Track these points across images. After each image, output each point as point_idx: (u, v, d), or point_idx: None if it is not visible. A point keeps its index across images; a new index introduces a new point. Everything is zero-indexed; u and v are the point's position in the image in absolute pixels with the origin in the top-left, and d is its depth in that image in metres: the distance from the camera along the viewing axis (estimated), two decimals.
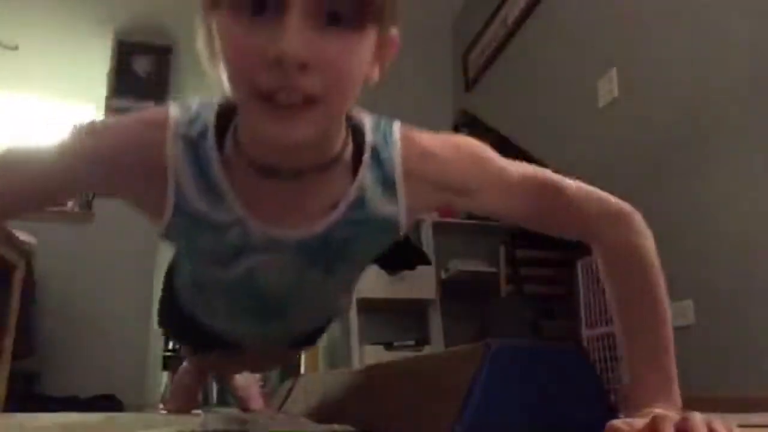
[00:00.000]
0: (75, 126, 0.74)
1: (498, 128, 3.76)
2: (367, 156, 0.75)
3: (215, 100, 0.76)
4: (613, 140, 2.60)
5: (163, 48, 4.23)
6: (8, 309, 2.37)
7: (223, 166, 0.73)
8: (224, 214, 0.74)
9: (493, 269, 3.48)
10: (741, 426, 0.95)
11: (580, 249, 3.01)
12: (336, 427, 0.94)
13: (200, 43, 0.68)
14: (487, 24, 3.89)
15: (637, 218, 0.79)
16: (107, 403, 2.97)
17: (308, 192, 0.74)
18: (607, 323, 2.44)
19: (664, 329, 0.74)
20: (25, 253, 2.54)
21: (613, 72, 2.61)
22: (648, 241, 0.77)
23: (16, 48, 4.38)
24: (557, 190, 0.78)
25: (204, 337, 1.12)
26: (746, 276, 1.88)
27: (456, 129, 4.21)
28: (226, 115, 0.74)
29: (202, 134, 0.73)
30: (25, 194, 0.75)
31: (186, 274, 0.98)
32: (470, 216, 3.73)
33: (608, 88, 2.64)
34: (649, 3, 2.48)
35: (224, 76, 0.63)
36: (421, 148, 0.77)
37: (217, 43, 0.62)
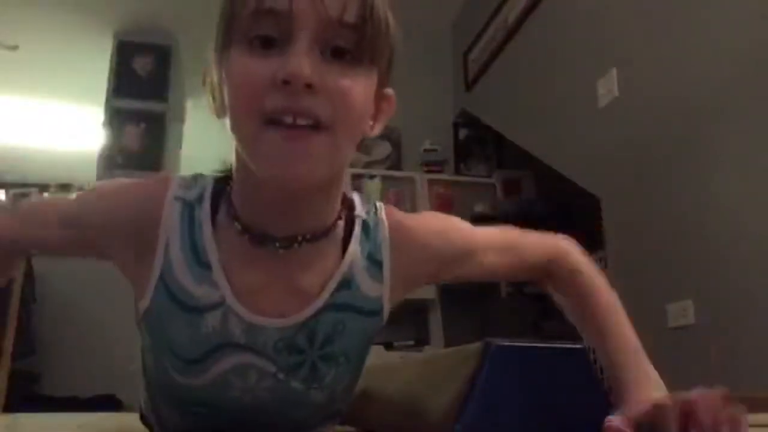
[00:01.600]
0: (78, 191, 0.77)
1: (498, 128, 3.76)
2: (357, 231, 0.75)
3: (211, 173, 0.77)
4: (613, 140, 2.60)
5: (164, 48, 4.24)
6: (8, 309, 2.37)
7: (213, 235, 0.71)
8: (207, 289, 0.70)
9: None
10: None
11: (581, 249, 3.01)
12: (336, 427, 0.94)
13: (208, 95, 0.70)
14: (488, 24, 3.89)
15: (573, 251, 0.85)
16: (107, 403, 2.97)
17: (299, 265, 0.71)
18: None
19: (627, 332, 0.77)
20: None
21: (614, 72, 2.61)
22: (586, 269, 0.84)
23: (16, 48, 4.38)
24: (520, 251, 0.84)
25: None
26: (746, 276, 1.88)
27: (456, 128, 4.22)
28: (222, 182, 0.74)
29: (198, 199, 0.73)
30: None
31: (147, 369, 0.88)
32: (471, 216, 3.74)
33: (608, 87, 2.64)
34: (649, 3, 2.48)
35: (228, 121, 0.65)
36: (403, 225, 0.79)
37: (225, 82, 0.64)
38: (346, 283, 0.73)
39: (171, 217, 0.71)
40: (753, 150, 1.90)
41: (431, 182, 3.81)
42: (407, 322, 3.49)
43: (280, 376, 0.73)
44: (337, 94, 0.61)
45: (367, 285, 0.74)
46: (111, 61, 4.19)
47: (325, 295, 0.72)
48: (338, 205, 0.74)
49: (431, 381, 0.78)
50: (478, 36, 4.02)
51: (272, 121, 0.60)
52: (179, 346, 0.72)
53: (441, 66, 4.38)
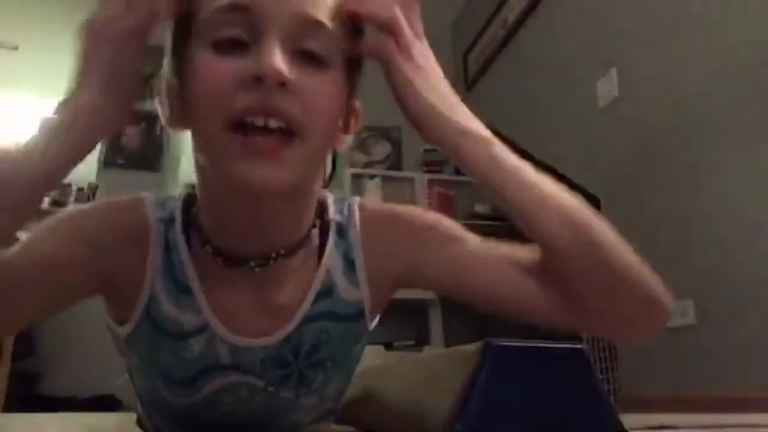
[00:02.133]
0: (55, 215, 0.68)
1: (498, 128, 3.76)
2: (332, 236, 0.72)
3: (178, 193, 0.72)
4: (613, 140, 2.60)
5: (163, 48, 4.23)
6: None
7: (191, 257, 0.68)
8: (190, 316, 0.68)
9: None
10: (740, 426, 0.95)
11: None
12: (335, 427, 0.94)
13: (162, 106, 0.65)
14: (488, 24, 3.90)
15: None
16: (106, 403, 2.97)
17: (277, 280, 0.69)
18: None
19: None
20: None
21: (613, 72, 2.61)
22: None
23: (16, 48, 4.38)
24: (505, 250, 0.74)
25: None
26: (746, 276, 1.88)
27: None
28: (190, 201, 0.70)
29: (170, 220, 0.69)
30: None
31: (137, 387, 0.84)
32: (470, 216, 3.74)
33: (608, 88, 2.64)
34: (649, 3, 2.48)
35: (191, 125, 0.61)
36: (374, 219, 0.74)
37: (188, 84, 0.60)
38: (327, 292, 0.71)
39: (156, 241, 0.68)
40: (753, 150, 1.90)
41: (431, 182, 3.81)
42: (407, 322, 3.49)
43: (270, 389, 0.72)
44: (310, 95, 0.58)
45: (346, 290, 0.72)
46: None
47: (306, 307, 0.70)
48: (311, 214, 0.70)
49: (431, 381, 0.78)
50: (478, 36, 4.02)
51: (240, 125, 0.56)
52: (167, 370, 0.71)
53: (441, 66, 4.37)
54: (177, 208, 0.70)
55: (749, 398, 1.65)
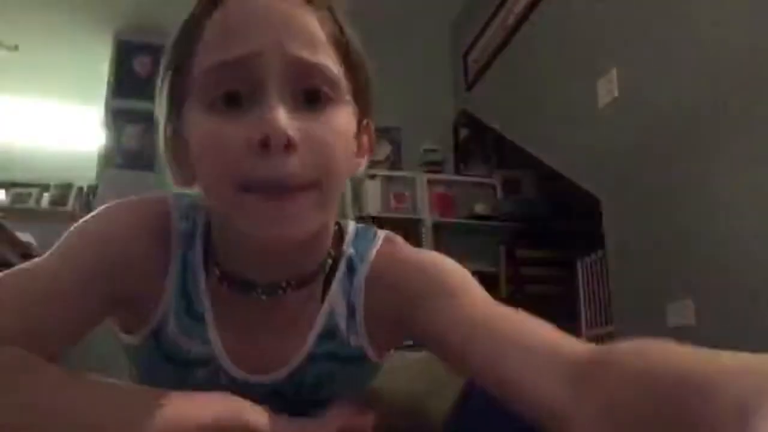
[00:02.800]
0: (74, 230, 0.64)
1: (498, 128, 3.76)
2: (341, 271, 0.68)
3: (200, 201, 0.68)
4: (613, 140, 2.60)
5: (163, 48, 4.24)
6: None
7: (207, 288, 0.65)
8: (197, 347, 0.65)
9: (493, 269, 3.48)
10: None
11: (581, 248, 3.02)
12: None
13: (164, 156, 0.63)
14: (487, 24, 3.90)
15: None
16: None
17: (284, 312, 0.66)
18: (607, 323, 2.44)
19: None
20: (25, 254, 2.54)
21: (614, 72, 2.61)
22: None
23: (16, 48, 4.38)
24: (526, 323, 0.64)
25: None
26: (746, 276, 1.88)
27: (456, 128, 4.22)
28: (208, 227, 0.66)
29: (191, 236, 0.66)
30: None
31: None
32: (471, 216, 3.74)
33: (608, 88, 2.64)
34: (649, 3, 2.48)
35: (199, 184, 0.59)
36: (386, 262, 0.68)
37: (191, 148, 0.58)
38: (330, 332, 0.67)
39: (176, 261, 0.65)
40: (752, 149, 1.90)
41: (431, 182, 3.81)
42: None
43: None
44: (319, 144, 0.56)
45: (348, 334, 0.67)
46: (111, 61, 4.19)
47: (309, 346, 0.66)
48: (327, 245, 0.67)
49: (430, 381, 0.78)
50: (478, 36, 4.02)
51: (254, 185, 0.54)
52: (166, 385, 0.66)
53: (441, 66, 4.38)
54: (199, 226, 0.66)
55: None
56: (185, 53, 0.58)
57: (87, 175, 4.09)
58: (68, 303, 0.58)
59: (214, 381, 0.66)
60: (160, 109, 0.62)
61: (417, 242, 3.58)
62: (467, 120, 4.15)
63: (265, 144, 0.53)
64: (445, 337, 0.60)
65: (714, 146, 2.06)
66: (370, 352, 0.68)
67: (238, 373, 0.66)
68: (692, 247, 2.07)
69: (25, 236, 2.57)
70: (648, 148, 2.37)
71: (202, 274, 0.65)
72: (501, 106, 3.75)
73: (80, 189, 4.14)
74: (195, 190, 0.62)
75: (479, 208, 3.77)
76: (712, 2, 2.14)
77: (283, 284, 0.64)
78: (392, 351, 0.74)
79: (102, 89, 4.17)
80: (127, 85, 4.13)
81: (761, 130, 1.88)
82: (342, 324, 0.67)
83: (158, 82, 0.62)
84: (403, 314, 0.65)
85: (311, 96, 0.56)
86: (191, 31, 0.58)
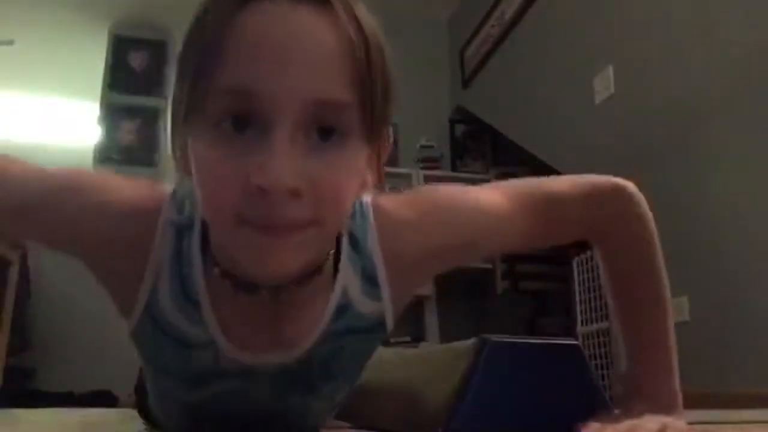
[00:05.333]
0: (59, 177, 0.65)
1: (494, 124, 3.76)
2: (346, 250, 0.66)
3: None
4: (609, 137, 2.60)
5: (159, 43, 4.22)
6: (3, 305, 2.37)
7: (204, 270, 0.63)
8: (196, 329, 0.64)
9: (488, 265, 3.49)
10: (737, 423, 0.95)
11: (576, 246, 3.02)
12: (329, 421, 0.94)
13: (171, 152, 0.60)
14: (484, 20, 3.89)
15: (637, 212, 0.75)
16: (102, 399, 2.96)
17: (290, 307, 0.64)
18: (602, 320, 2.45)
19: (663, 324, 0.72)
20: (20, 248, 2.53)
21: (610, 68, 2.61)
22: (648, 239, 0.75)
23: (11, 43, 4.36)
24: (548, 203, 0.71)
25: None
26: (742, 273, 1.89)
27: (452, 125, 4.22)
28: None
29: (188, 226, 0.64)
30: None
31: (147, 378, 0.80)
32: None
33: (605, 84, 2.64)
34: (646, 0, 2.48)
35: (197, 190, 0.56)
36: (395, 225, 0.67)
37: (193, 166, 0.55)
38: (343, 311, 0.66)
39: (163, 246, 0.63)
40: (749, 147, 1.91)
41: (427, 178, 3.81)
42: (403, 319, 3.47)
43: (279, 392, 0.70)
44: (328, 192, 0.52)
45: (365, 306, 0.67)
46: (106, 57, 4.17)
47: (320, 330, 0.65)
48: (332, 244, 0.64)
49: (427, 377, 0.78)
50: (475, 33, 4.02)
51: (246, 222, 0.52)
52: (172, 369, 0.68)
53: (437, 63, 4.38)
54: (197, 213, 0.64)
55: (743, 395, 1.66)
56: (198, 67, 0.53)
57: None
58: None
59: (217, 363, 0.65)
60: (172, 117, 0.58)
61: None
62: (463, 116, 4.15)
63: (263, 193, 0.49)
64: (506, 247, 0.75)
65: (710, 143, 2.06)
66: (389, 317, 0.68)
67: (241, 356, 0.65)
68: (687, 245, 2.08)
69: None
70: (644, 144, 2.37)
71: (199, 262, 0.63)
72: (497, 102, 3.75)
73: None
74: None
75: None
76: (709, 0, 2.15)
77: (287, 284, 0.61)
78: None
79: (97, 84, 4.15)
80: (122, 80, 4.11)
81: (758, 128, 1.89)
82: (356, 297, 0.66)
83: (172, 88, 0.57)
84: (436, 268, 0.71)
85: (326, 132, 0.52)
86: (205, 44, 0.52)
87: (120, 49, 4.20)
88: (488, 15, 3.84)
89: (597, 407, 0.65)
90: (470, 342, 0.68)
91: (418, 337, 3.33)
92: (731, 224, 1.95)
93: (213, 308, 0.63)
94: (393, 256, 0.66)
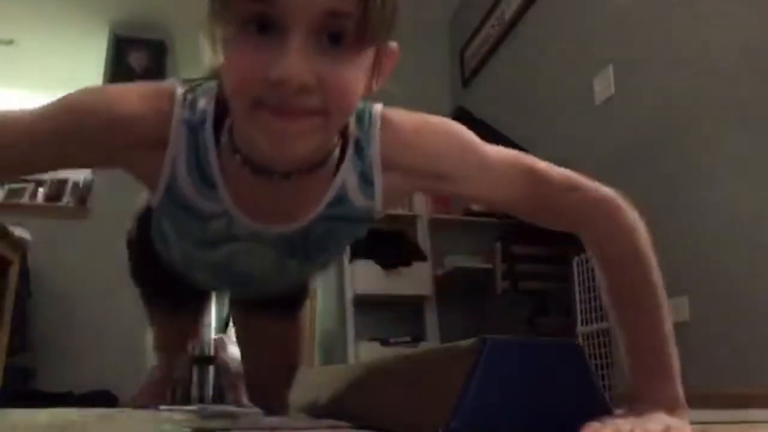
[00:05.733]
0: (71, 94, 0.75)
1: (494, 125, 3.76)
2: (350, 152, 0.77)
3: (213, 85, 0.77)
4: (609, 137, 2.60)
5: (159, 43, 4.22)
6: (3, 305, 2.37)
7: (218, 158, 0.75)
8: (212, 204, 0.77)
9: (488, 265, 3.49)
10: (737, 423, 0.95)
11: (576, 245, 3.02)
12: (330, 422, 0.94)
13: (202, 42, 0.69)
14: (484, 20, 3.89)
15: (624, 205, 0.80)
16: (102, 398, 2.97)
17: (296, 190, 0.77)
18: (602, 320, 2.45)
19: (660, 320, 0.73)
20: (20, 249, 2.53)
21: (610, 69, 2.61)
22: (637, 228, 0.78)
23: (11, 42, 4.36)
24: (540, 179, 0.79)
25: (177, 287, 1.09)
26: (742, 273, 1.89)
27: None
28: (223, 104, 0.74)
29: (201, 121, 0.75)
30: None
31: (167, 241, 0.94)
32: (466, 212, 3.74)
33: (605, 85, 2.64)
34: (646, 1, 2.48)
35: (224, 79, 0.66)
36: (401, 136, 0.78)
37: (221, 54, 0.65)
38: (339, 200, 0.78)
39: (178, 139, 0.74)
40: (749, 147, 1.91)
41: None
42: (403, 319, 3.49)
43: (280, 256, 0.85)
44: (335, 88, 0.61)
45: (359, 201, 0.79)
46: (106, 56, 4.18)
47: (319, 211, 0.78)
48: (335, 141, 0.76)
49: (426, 378, 0.78)
50: (475, 33, 4.02)
51: (263, 104, 0.62)
52: (192, 234, 0.83)
53: (437, 63, 4.38)
54: (209, 112, 0.75)
55: (743, 395, 1.66)
56: None
57: (82, 171, 4.07)
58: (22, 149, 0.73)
59: (230, 230, 0.79)
60: (208, 20, 0.67)
61: (412, 238, 3.58)
62: (464, 116, 4.15)
63: (280, 84, 0.59)
64: (482, 197, 0.84)
65: (710, 143, 2.06)
66: (376, 212, 0.81)
67: (251, 224, 0.79)
68: (687, 244, 2.08)
69: (20, 231, 2.56)
70: (644, 145, 2.37)
71: (213, 150, 0.75)
72: (498, 102, 3.75)
73: (75, 184, 4.12)
74: None
75: (475, 206, 3.77)
76: (708, 1, 2.15)
77: (297, 170, 0.73)
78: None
79: (98, 84, 4.15)
80: (122, 79, 4.07)
81: (757, 128, 1.89)
82: (353, 194, 0.78)
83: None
84: (424, 186, 0.83)
85: (335, 38, 0.61)
86: None
87: (120, 48, 4.20)
88: (488, 15, 3.84)
89: (597, 407, 0.65)
90: (470, 342, 0.68)
91: (418, 337, 3.33)
92: (731, 224, 1.95)
93: (227, 189, 0.76)
94: (389, 166, 0.78)
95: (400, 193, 0.83)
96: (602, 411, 0.64)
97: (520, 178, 0.78)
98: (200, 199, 0.77)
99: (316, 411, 1.15)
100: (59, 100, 0.74)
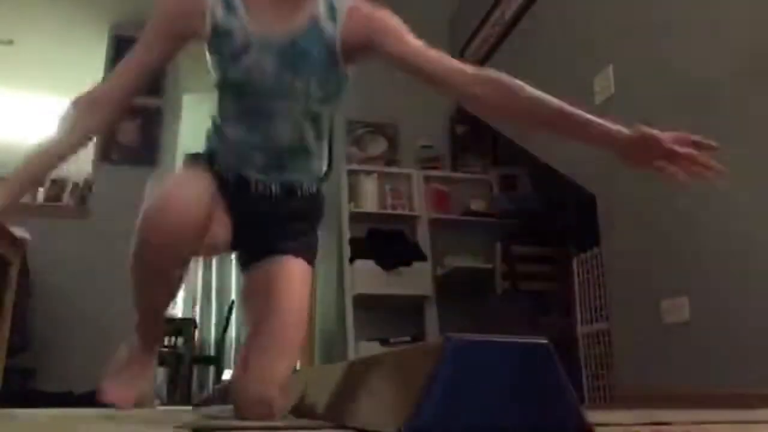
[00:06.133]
0: None
1: (494, 124, 3.76)
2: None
3: None
4: None
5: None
6: (3, 305, 2.37)
7: None
8: (236, 22, 1.18)
9: (488, 265, 3.49)
10: (737, 423, 0.95)
11: (576, 246, 3.02)
12: (306, 422, 0.94)
13: None
14: (484, 21, 3.89)
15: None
16: None
17: (286, 10, 1.19)
18: (602, 319, 2.45)
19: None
20: (20, 249, 2.53)
21: (610, 69, 2.61)
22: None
23: (11, 43, 4.36)
24: (443, 54, 1.26)
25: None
26: (742, 273, 1.88)
27: (452, 125, 4.22)
28: None
29: None
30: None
31: (222, 119, 1.29)
32: (466, 212, 3.74)
33: (605, 85, 2.64)
34: (645, 0, 2.48)
35: None
36: (360, 10, 1.22)
37: None
38: (314, 24, 1.19)
39: None
40: (749, 147, 1.91)
41: (427, 178, 3.82)
42: (403, 319, 3.49)
43: (280, 67, 1.18)
44: None
45: (327, 28, 1.20)
46: (106, 56, 4.18)
47: (302, 27, 1.19)
48: None
49: (396, 376, 0.77)
50: (475, 33, 4.02)
51: None
52: (223, 53, 1.19)
53: None
54: None
55: (743, 394, 1.66)
56: None
57: (82, 170, 4.08)
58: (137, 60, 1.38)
59: (246, 39, 1.17)
60: None
61: (412, 238, 3.58)
62: (464, 117, 4.15)
63: None
64: (407, 59, 1.23)
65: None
66: (338, 43, 1.20)
67: (260, 31, 1.18)
68: (687, 245, 2.08)
69: (20, 231, 2.56)
70: None
71: None
72: None
73: (75, 184, 4.12)
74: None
75: (475, 205, 3.78)
76: (709, 1, 2.15)
77: None
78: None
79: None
80: None
81: (758, 128, 1.89)
82: (323, 22, 1.20)
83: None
84: (372, 41, 1.21)
85: None
86: None
87: (120, 48, 4.20)
88: (488, 15, 3.84)
89: (566, 409, 0.64)
90: (436, 341, 0.67)
91: (418, 337, 3.33)
92: (731, 223, 1.94)
93: (246, 10, 1.19)
94: (350, 10, 1.21)
95: (351, 40, 1.20)
96: (571, 413, 0.64)
97: (436, 52, 1.25)
98: (229, 18, 1.17)
99: (299, 410, 1.15)
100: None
